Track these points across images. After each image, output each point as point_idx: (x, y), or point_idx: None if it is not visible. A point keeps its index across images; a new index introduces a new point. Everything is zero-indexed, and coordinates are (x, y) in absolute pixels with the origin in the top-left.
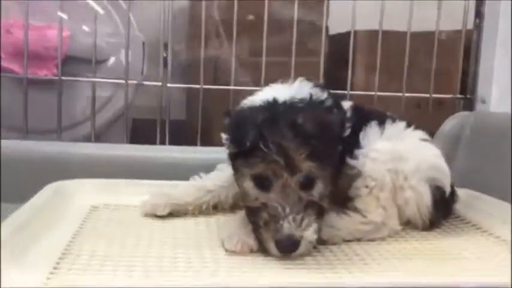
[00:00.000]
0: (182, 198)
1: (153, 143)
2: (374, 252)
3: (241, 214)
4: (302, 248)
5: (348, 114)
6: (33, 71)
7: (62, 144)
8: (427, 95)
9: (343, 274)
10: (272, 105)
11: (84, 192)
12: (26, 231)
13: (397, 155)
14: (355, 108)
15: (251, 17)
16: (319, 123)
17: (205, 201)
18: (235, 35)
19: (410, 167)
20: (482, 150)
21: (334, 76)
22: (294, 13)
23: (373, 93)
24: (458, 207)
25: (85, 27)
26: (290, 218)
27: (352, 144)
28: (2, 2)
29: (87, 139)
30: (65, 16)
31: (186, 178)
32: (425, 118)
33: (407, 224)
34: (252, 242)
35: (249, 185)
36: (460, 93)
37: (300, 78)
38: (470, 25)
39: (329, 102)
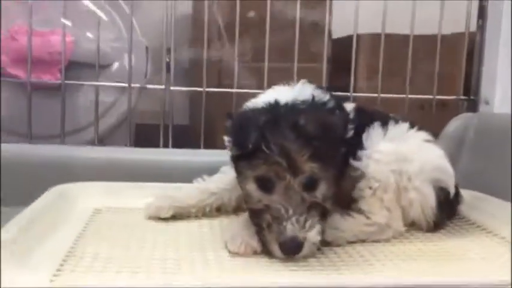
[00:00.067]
0: (185, 201)
1: (157, 147)
2: (379, 254)
3: (244, 216)
4: (306, 250)
5: (351, 115)
6: (37, 76)
7: (65, 148)
8: (431, 97)
9: (347, 275)
10: (274, 107)
11: (88, 195)
12: (30, 233)
13: (400, 156)
14: (358, 110)
15: (252, 14)
16: (321, 124)
17: (208, 203)
18: (238, 36)
19: (415, 168)
20: (486, 151)
21: (338, 81)
22: (297, 16)
23: (376, 95)
24: (463, 208)
25: (89, 33)
26: (293, 219)
27: (355, 145)
28: (6, 5)
29: (90, 144)
30: (68, 23)
31: (189, 181)
32: (429, 120)
33: (412, 226)
34: (255, 243)
35: (251, 187)
36: (464, 95)
37: (302, 81)
38: (473, 27)
39: (331, 104)
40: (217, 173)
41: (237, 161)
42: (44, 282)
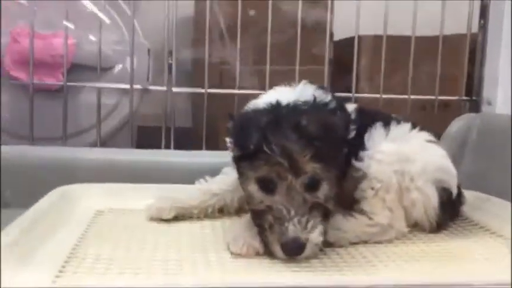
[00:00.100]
0: (187, 202)
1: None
2: (381, 254)
3: (246, 217)
4: (308, 251)
5: (353, 116)
6: (40, 79)
7: (67, 150)
8: (433, 97)
9: (349, 276)
10: (275, 108)
11: (90, 197)
12: (31, 234)
13: (403, 156)
14: (360, 110)
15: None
16: (322, 124)
17: (210, 204)
18: (240, 38)
19: (417, 168)
20: (489, 152)
21: (339, 83)
22: (298, 18)
23: (378, 95)
24: (466, 209)
25: (91, 36)
26: (295, 220)
27: (357, 146)
28: (7, 5)
29: (92, 147)
30: (71, 25)
31: (191, 182)
32: (431, 121)
33: (414, 226)
34: (257, 244)
35: (253, 188)
36: (466, 96)
37: (303, 81)
38: (475, 28)
39: (333, 105)
40: (219, 174)
41: (239, 162)
42: (46, 283)
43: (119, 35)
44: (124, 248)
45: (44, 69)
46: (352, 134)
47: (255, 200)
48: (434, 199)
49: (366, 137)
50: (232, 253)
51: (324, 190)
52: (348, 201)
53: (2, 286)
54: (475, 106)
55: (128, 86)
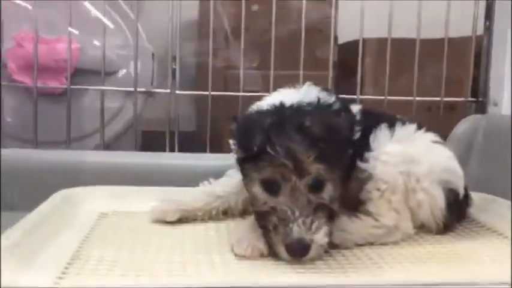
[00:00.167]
0: (191, 204)
1: None
2: (387, 256)
3: (251, 219)
4: (313, 252)
5: (357, 117)
6: (44, 83)
7: (70, 153)
8: (438, 99)
9: (355, 278)
10: (279, 109)
11: (93, 199)
12: (34, 236)
13: (408, 157)
14: (365, 112)
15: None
16: (327, 126)
17: (214, 206)
18: (243, 39)
19: (423, 169)
20: (495, 153)
21: (344, 87)
22: (302, 22)
23: (383, 97)
24: (472, 210)
25: (96, 40)
26: (300, 221)
27: (362, 147)
28: (11, 9)
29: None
30: (75, 30)
31: (195, 185)
32: (436, 123)
33: (421, 228)
34: (262, 246)
35: (257, 189)
36: (472, 97)
37: (307, 83)
38: (480, 30)
39: (337, 106)
40: (223, 177)
41: (243, 163)
42: (48, 283)
43: (123, 39)
44: (128, 250)
45: (47, 74)
46: (357, 135)
47: (259, 202)
48: (440, 200)
49: (371, 138)
50: (236, 255)
51: (329, 191)
52: (353, 203)
53: (2, 286)
54: (481, 107)
55: (132, 89)
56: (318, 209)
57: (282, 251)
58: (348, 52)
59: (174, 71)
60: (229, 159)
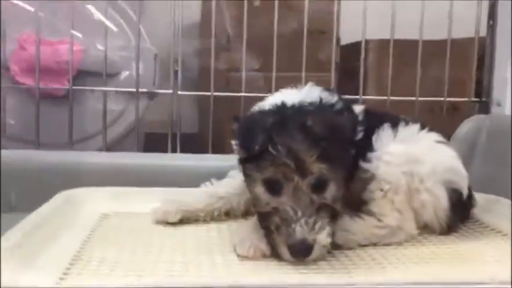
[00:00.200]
0: (193, 205)
1: None
2: (391, 256)
3: (253, 219)
4: (316, 252)
5: (360, 117)
6: (46, 85)
7: (72, 154)
8: (441, 99)
9: (359, 278)
10: (281, 109)
11: (95, 200)
12: (35, 237)
13: (411, 157)
14: (367, 112)
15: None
16: (329, 125)
17: (216, 207)
18: (245, 41)
19: (426, 169)
20: (499, 153)
21: (346, 88)
22: (304, 24)
23: (385, 97)
24: (476, 211)
25: (98, 42)
26: (302, 221)
27: (365, 147)
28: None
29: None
30: (79, 32)
31: (197, 186)
32: (439, 124)
33: (424, 228)
34: (264, 246)
35: (260, 190)
36: (475, 97)
37: (309, 83)
38: (483, 31)
39: (339, 106)
40: (226, 177)
41: (245, 163)
42: (50, 283)
43: (126, 41)
44: (129, 251)
45: (50, 76)
46: (360, 135)
47: (261, 202)
48: (444, 200)
49: (374, 138)
50: (238, 255)
51: (331, 191)
52: (355, 203)
53: (2, 287)
54: (484, 108)
55: (133, 89)
56: (320, 209)
57: (284, 251)
58: (350, 54)
59: (176, 73)
60: (231, 160)
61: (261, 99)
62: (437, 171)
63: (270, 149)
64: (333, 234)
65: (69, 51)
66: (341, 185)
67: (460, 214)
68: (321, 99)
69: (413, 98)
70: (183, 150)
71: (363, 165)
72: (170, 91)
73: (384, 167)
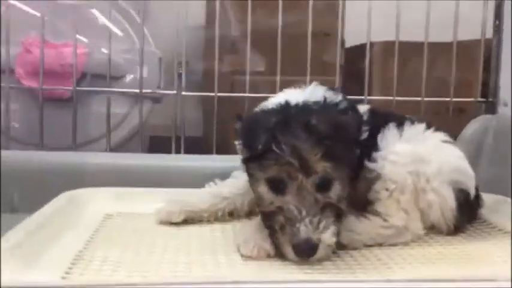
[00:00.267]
0: (197, 205)
1: None
2: (397, 257)
3: (257, 219)
4: (320, 252)
5: (365, 117)
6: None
7: (75, 154)
8: (447, 99)
9: (364, 278)
10: (285, 108)
11: (98, 201)
12: (37, 237)
13: (417, 157)
14: (372, 111)
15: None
16: (333, 124)
17: (220, 208)
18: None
19: (433, 169)
20: (506, 153)
21: (351, 90)
22: (309, 27)
23: (391, 98)
24: (484, 211)
25: (103, 45)
26: (307, 220)
27: (371, 147)
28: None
29: None
30: (84, 35)
31: (201, 187)
32: (445, 125)
33: (431, 229)
34: (268, 246)
35: (263, 189)
36: (482, 98)
37: (314, 83)
38: (489, 33)
39: (343, 105)
40: (229, 178)
41: (248, 163)
42: (51, 283)
43: (130, 44)
44: (132, 251)
45: (54, 79)
46: (365, 134)
47: (265, 201)
48: (451, 201)
49: (379, 137)
50: (242, 255)
51: (336, 190)
52: (361, 203)
53: (2, 286)
54: (491, 108)
55: (137, 90)
56: (325, 208)
57: (289, 251)
58: (355, 56)
59: (180, 75)
60: (235, 160)
61: (266, 100)
62: (443, 171)
63: (274, 148)
64: (338, 234)
65: (73, 54)
66: (346, 184)
67: (467, 214)
68: (325, 99)
69: (419, 99)
70: (187, 153)
71: (369, 164)
72: (174, 92)
73: (390, 166)
